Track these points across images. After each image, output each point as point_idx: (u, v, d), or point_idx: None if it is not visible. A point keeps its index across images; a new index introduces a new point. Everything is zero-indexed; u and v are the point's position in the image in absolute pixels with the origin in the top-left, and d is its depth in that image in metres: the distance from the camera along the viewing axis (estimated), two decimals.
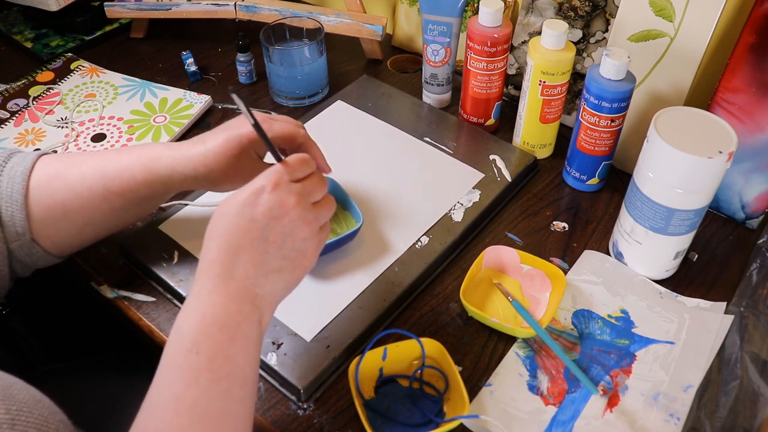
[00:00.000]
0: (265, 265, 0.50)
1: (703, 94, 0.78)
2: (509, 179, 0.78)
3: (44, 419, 0.44)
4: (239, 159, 0.61)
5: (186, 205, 0.74)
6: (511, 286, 0.69)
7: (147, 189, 0.62)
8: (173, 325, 0.49)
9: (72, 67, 0.99)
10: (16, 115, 0.90)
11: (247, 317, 0.49)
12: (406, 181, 0.78)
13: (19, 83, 0.96)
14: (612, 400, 0.59)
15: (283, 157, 0.53)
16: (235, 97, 0.51)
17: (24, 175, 0.60)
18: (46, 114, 0.90)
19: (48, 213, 0.60)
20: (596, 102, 0.71)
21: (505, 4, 0.85)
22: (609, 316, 0.66)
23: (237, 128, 0.61)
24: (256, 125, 0.52)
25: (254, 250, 0.50)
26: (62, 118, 0.90)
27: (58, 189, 0.61)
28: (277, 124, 0.62)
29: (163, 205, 0.75)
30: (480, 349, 0.64)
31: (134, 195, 0.62)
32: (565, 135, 0.84)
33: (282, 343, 0.62)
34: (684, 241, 0.67)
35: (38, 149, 0.84)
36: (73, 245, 0.65)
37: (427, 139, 0.84)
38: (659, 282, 0.70)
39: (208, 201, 0.75)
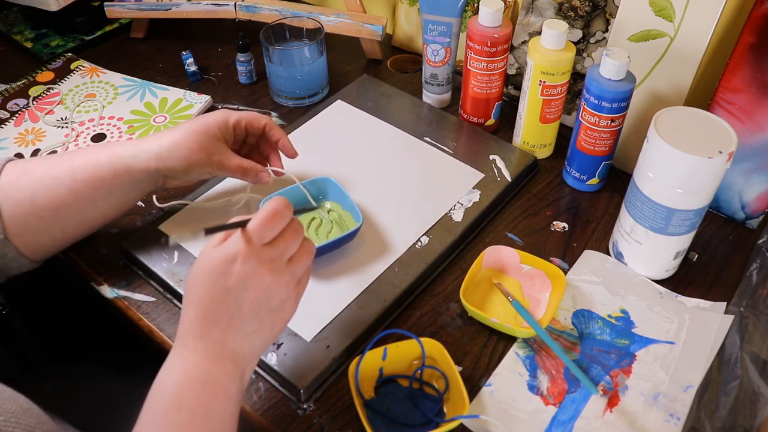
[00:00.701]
0: (242, 330, 0.50)
1: (703, 94, 0.78)
2: (509, 179, 0.78)
3: (32, 429, 0.43)
4: (207, 141, 0.64)
5: (186, 204, 0.74)
6: (511, 286, 0.69)
7: (112, 175, 0.62)
8: (155, 379, 0.49)
9: (72, 67, 0.99)
10: (16, 115, 0.90)
11: (228, 375, 0.50)
12: (406, 181, 0.78)
13: (19, 83, 0.96)
14: (612, 400, 0.59)
15: (246, 223, 0.50)
16: (172, 240, 0.50)
17: None
18: (46, 114, 0.90)
19: (17, 209, 0.61)
20: (596, 102, 0.71)
21: (505, 4, 0.85)
22: (609, 316, 0.66)
23: (205, 116, 0.65)
24: (208, 231, 0.50)
25: (230, 318, 0.50)
26: (62, 118, 0.90)
27: (26, 183, 0.61)
28: (242, 112, 0.68)
29: (163, 205, 0.75)
30: (480, 349, 0.64)
31: (100, 182, 0.62)
32: (565, 135, 0.84)
33: (282, 343, 0.62)
34: (684, 241, 0.67)
35: (38, 149, 0.84)
36: (45, 245, 0.64)
37: (427, 139, 0.84)
38: (659, 282, 0.70)
39: (208, 201, 0.75)
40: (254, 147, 0.73)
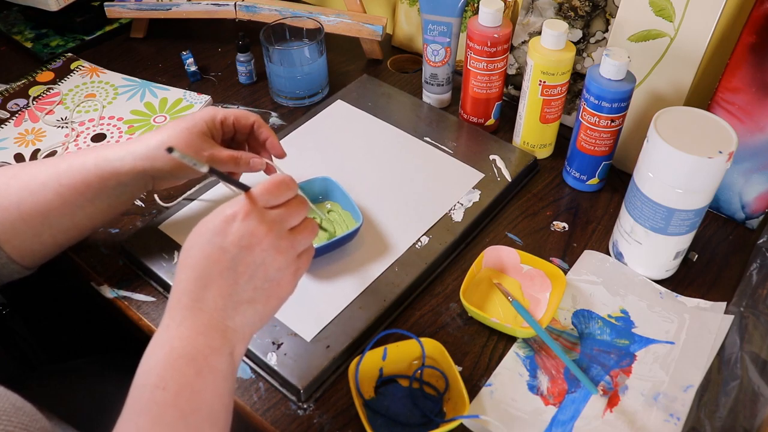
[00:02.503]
0: (235, 296, 0.49)
1: (703, 94, 0.78)
2: (509, 179, 0.78)
3: (24, 426, 0.43)
4: (194, 138, 0.63)
5: (192, 199, 0.74)
6: (511, 286, 0.69)
7: (98, 179, 0.61)
8: (142, 358, 0.48)
9: (72, 67, 0.99)
10: (16, 115, 0.90)
11: (216, 351, 0.48)
12: (406, 181, 0.78)
13: (19, 83, 0.96)
14: (612, 400, 0.59)
15: (249, 187, 0.51)
16: (176, 153, 0.47)
17: None
18: (46, 114, 0.90)
19: (5, 215, 0.60)
20: (596, 102, 0.71)
21: (505, 4, 0.85)
22: (609, 316, 0.66)
23: (193, 114, 0.65)
24: (212, 170, 0.50)
25: (224, 281, 0.48)
26: (62, 118, 0.90)
27: (13, 189, 0.61)
28: (230, 109, 0.67)
29: (168, 204, 0.75)
30: (480, 349, 0.64)
31: (86, 187, 0.61)
32: (565, 135, 0.84)
33: (282, 343, 0.62)
34: (684, 241, 0.67)
35: (38, 149, 0.84)
36: (35, 251, 0.63)
37: (427, 139, 0.84)
38: (659, 282, 0.70)
39: (209, 199, 0.75)
40: (243, 145, 0.71)
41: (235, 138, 0.70)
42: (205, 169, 0.48)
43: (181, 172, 0.64)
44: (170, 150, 0.46)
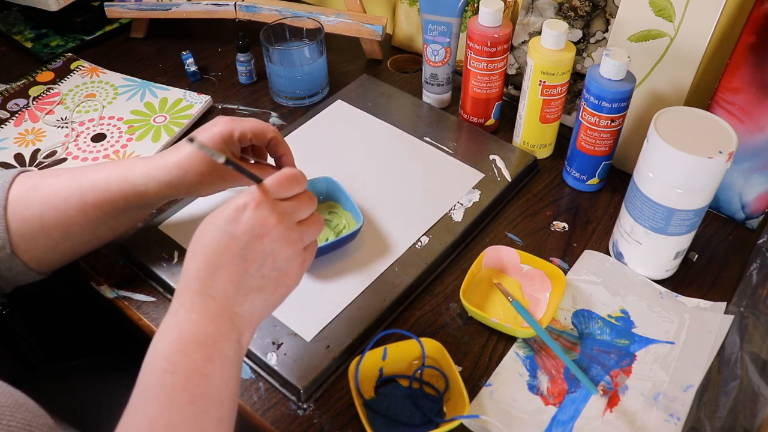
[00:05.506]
0: (244, 284, 0.50)
1: (703, 94, 0.78)
2: (509, 179, 0.78)
3: (27, 423, 0.43)
4: (216, 163, 0.62)
5: (191, 200, 0.74)
6: (511, 286, 0.69)
7: (123, 200, 0.61)
8: (151, 342, 0.48)
9: (72, 67, 0.99)
10: (16, 115, 0.90)
11: (224, 336, 0.48)
12: (406, 181, 0.78)
13: (19, 83, 0.96)
14: (612, 400, 0.59)
15: (261, 179, 0.52)
16: (197, 143, 0.48)
17: (3, 189, 0.60)
18: (46, 114, 0.90)
19: (25, 226, 0.60)
20: (596, 102, 0.71)
21: (505, 4, 0.85)
22: (609, 316, 0.66)
23: (209, 129, 0.63)
24: (228, 161, 0.50)
25: (233, 268, 0.49)
26: (62, 118, 0.90)
27: (35, 201, 0.60)
28: (247, 121, 0.64)
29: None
30: (480, 349, 0.64)
31: (110, 206, 0.61)
32: (565, 135, 0.84)
33: (282, 343, 0.62)
34: (684, 241, 0.67)
35: (38, 149, 0.84)
36: (53, 260, 0.64)
37: (427, 139, 0.84)
38: (659, 282, 0.70)
39: (207, 199, 0.75)
40: (261, 151, 0.70)
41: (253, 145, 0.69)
42: (222, 160, 0.49)
43: (204, 192, 0.65)
44: (191, 140, 0.48)
